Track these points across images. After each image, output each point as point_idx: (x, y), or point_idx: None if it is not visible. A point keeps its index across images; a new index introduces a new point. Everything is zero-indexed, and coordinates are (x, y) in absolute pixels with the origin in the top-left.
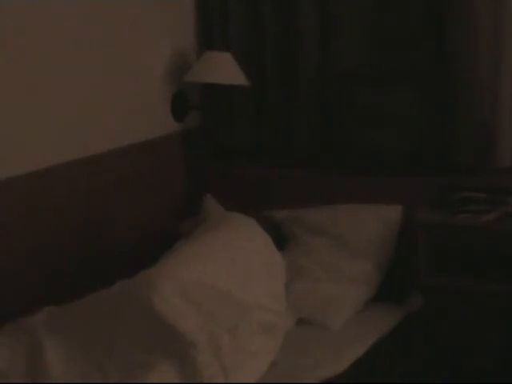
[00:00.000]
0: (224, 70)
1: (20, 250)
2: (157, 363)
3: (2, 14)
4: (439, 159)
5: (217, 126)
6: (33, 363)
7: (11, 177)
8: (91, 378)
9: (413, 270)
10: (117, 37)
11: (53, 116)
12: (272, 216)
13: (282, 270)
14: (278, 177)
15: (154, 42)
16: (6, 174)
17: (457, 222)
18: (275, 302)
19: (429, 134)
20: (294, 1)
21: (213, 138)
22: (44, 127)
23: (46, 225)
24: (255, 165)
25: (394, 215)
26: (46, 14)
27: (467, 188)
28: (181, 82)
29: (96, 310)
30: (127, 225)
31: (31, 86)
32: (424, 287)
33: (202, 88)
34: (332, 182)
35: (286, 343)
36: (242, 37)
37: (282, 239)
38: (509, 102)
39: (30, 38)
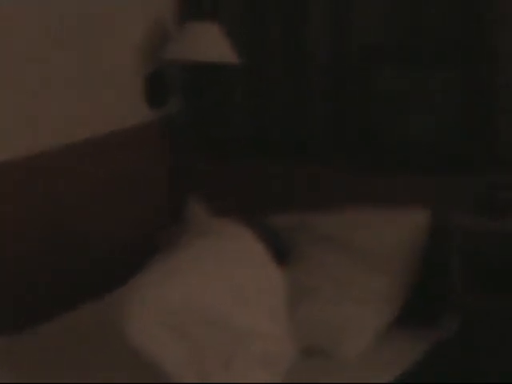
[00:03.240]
0: (211, 44)
1: None
2: None
3: None
4: (479, 154)
5: (203, 113)
6: None
7: None
8: None
9: (445, 287)
10: (80, 6)
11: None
12: (271, 223)
13: (282, 289)
14: (279, 175)
15: (126, 11)
16: None
17: (500, 228)
18: (276, 328)
19: (466, 124)
20: None
21: (198, 128)
22: None
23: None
24: (251, 161)
25: (421, 221)
26: None
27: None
28: (158, 59)
29: (57, 341)
30: (99, 233)
31: None
32: (459, 308)
33: (184, 67)
34: (346, 181)
35: (290, 377)
36: (234, 5)
37: (282, 251)
38: None
39: None
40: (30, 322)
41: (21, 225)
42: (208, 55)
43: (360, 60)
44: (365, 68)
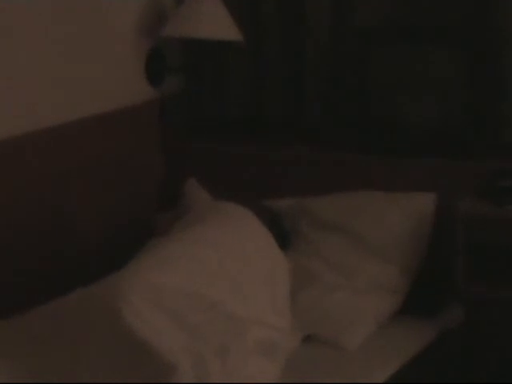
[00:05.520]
0: (211, 21)
1: None
2: None
3: None
4: (485, 137)
5: (203, 92)
6: None
7: None
8: None
9: (450, 276)
10: None
11: None
12: (273, 207)
13: (286, 275)
14: (280, 158)
15: None
16: None
17: (507, 215)
18: (277, 316)
19: (472, 105)
20: None
21: (198, 108)
22: None
23: None
24: (251, 142)
25: (425, 206)
26: None
27: None
28: (156, 36)
29: (51, 326)
30: (91, 216)
31: None
32: (464, 297)
33: (184, 45)
34: (349, 164)
35: (290, 367)
36: None
37: (285, 236)
38: None
39: None
40: (20, 307)
41: (9, 207)
42: (209, 32)
43: (360, 39)
44: (365, 48)
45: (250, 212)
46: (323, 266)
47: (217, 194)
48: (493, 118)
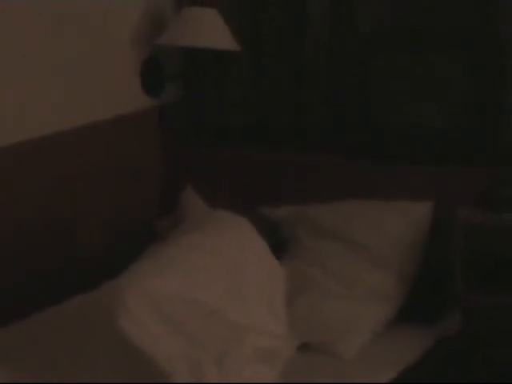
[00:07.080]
0: (209, 30)
1: None
2: None
3: None
4: (487, 143)
5: (200, 101)
6: None
7: None
8: None
9: (448, 284)
10: None
11: None
12: (270, 214)
13: (282, 283)
14: (278, 165)
15: None
16: None
17: (505, 223)
18: (274, 323)
19: (473, 111)
20: None
21: (196, 116)
22: None
23: None
24: (249, 150)
25: (423, 214)
26: None
27: None
28: (154, 45)
29: (50, 331)
30: (90, 223)
31: None
32: (463, 305)
33: (181, 53)
34: (347, 171)
35: (286, 374)
36: None
37: (281, 244)
38: None
39: None
40: (18, 312)
41: (10, 213)
42: (206, 41)
43: (360, 41)
44: (365, 51)
45: (246, 220)
46: (321, 274)
47: (216, 199)
48: (493, 119)
